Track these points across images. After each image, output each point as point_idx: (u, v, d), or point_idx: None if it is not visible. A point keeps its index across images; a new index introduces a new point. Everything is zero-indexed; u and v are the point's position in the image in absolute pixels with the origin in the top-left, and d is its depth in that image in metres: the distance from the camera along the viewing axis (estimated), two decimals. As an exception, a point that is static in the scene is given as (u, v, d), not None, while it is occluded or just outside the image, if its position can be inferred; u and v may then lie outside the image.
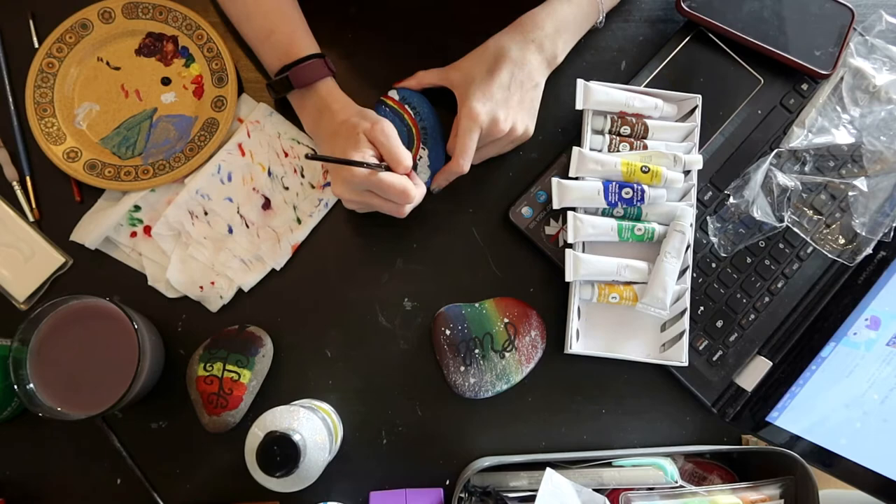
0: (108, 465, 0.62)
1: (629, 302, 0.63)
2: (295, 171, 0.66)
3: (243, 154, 0.65)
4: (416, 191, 0.59)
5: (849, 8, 0.69)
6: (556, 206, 0.64)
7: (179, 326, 0.64)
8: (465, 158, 0.61)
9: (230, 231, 0.65)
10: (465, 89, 0.62)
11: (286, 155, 0.66)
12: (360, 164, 0.56)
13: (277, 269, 0.65)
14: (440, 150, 0.66)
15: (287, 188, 0.66)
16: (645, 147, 0.66)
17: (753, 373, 0.67)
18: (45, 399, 0.55)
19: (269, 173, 0.66)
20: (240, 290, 0.65)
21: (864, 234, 0.67)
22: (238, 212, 0.65)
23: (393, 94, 0.66)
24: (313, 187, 0.66)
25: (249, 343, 0.62)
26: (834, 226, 0.69)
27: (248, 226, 0.65)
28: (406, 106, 0.65)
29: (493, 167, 0.68)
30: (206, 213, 0.64)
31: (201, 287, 0.64)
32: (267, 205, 0.66)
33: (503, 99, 0.61)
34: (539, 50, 0.63)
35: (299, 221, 0.66)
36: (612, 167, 0.64)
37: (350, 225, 0.67)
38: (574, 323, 0.64)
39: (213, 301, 0.64)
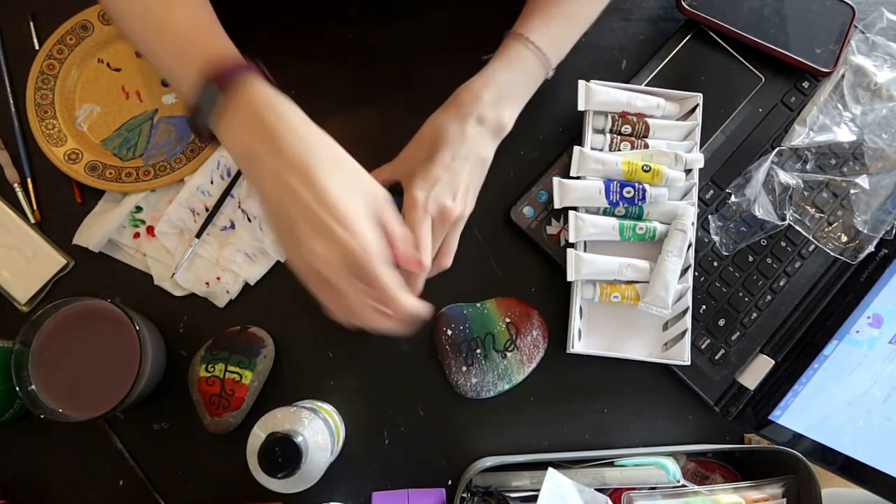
0: (110, 467, 0.62)
1: (631, 301, 0.63)
2: None
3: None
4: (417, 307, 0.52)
5: (850, 5, 0.69)
6: (557, 205, 0.64)
7: (181, 328, 0.64)
8: (424, 254, 0.54)
9: (232, 226, 0.65)
10: (408, 180, 0.56)
11: None
12: None
13: (283, 261, 0.65)
14: None
15: None
16: (646, 146, 0.66)
17: (756, 371, 0.67)
18: (46, 401, 0.55)
19: None
20: (244, 289, 0.65)
21: (866, 231, 0.67)
22: (240, 206, 0.65)
23: None
24: None
25: (251, 344, 0.62)
26: (836, 224, 0.68)
27: (249, 220, 0.65)
28: None
29: (494, 167, 0.68)
30: (207, 210, 0.64)
31: (207, 283, 0.64)
32: None
33: (449, 180, 0.56)
34: (479, 122, 0.57)
35: None
36: (614, 166, 0.63)
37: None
38: (576, 322, 0.64)
39: (219, 296, 0.64)
